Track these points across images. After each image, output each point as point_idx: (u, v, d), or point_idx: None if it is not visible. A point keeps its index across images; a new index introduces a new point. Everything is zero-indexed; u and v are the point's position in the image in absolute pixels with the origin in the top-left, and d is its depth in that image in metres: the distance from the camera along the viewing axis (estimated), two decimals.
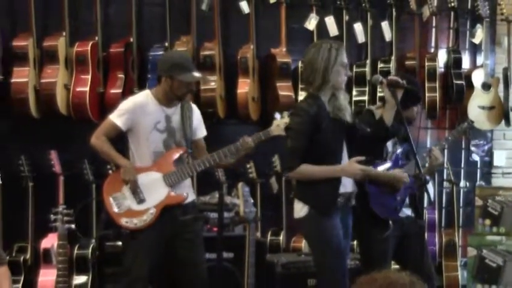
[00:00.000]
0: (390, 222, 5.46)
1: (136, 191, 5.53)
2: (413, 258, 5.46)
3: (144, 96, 5.67)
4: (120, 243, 6.08)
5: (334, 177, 5.11)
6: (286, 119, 5.38)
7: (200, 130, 5.81)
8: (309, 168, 5.06)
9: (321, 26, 7.34)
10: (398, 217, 5.55)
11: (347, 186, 5.23)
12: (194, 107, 5.83)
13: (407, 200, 5.63)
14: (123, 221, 5.56)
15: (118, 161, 5.58)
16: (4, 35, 6.31)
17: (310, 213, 5.15)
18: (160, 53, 6.63)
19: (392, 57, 7.59)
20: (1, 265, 5.40)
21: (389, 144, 5.63)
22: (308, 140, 5.05)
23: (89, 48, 6.50)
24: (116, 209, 5.55)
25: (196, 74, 5.72)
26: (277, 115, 5.51)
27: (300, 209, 5.21)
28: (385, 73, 7.01)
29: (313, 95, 5.18)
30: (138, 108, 5.56)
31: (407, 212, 5.65)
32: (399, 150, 5.62)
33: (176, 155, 5.66)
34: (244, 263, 4.85)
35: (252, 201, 4.99)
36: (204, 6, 6.94)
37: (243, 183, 5.17)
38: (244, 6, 7.07)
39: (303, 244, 6.79)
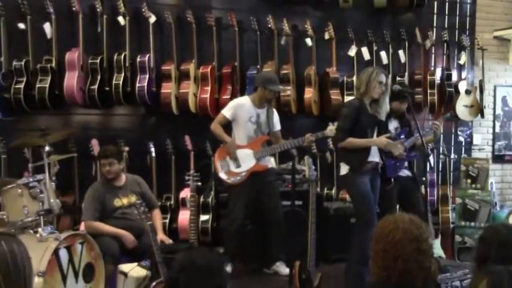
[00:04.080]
0: (392, 179, 5.37)
1: (235, 159, 5.60)
2: (411, 204, 5.39)
3: (244, 99, 5.79)
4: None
5: (367, 147, 5.09)
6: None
7: (277, 125, 5.83)
8: (353, 139, 5.05)
9: (359, 53, 7.23)
10: (397, 176, 5.44)
11: (375, 157, 5.18)
12: (274, 110, 5.87)
13: (406, 164, 5.55)
14: (225, 178, 5.65)
15: (226, 139, 5.65)
16: (157, 62, 6.31)
17: (348, 173, 5.14)
18: (254, 72, 6.59)
19: (406, 73, 7.46)
20: (155, 208, 5.54)
21: (392, 128, 5.55)
22: (352, 123, 5.03)
23: (209, 70, 6.46)
24: (221, 170, 5.65)
25: (280, 87, 5.91)
26: (330, 123, 5.60)
27: (342, 169, 5.20)
28: (401, 84, 6.94)
29: (358, 98, 5.15)
30: (238, 106, 5.65)
31: (407, 172, 5.55)
32: (401, 132, 5.57)
33: (263, 140, 5.74)
34: (309, 208, 4.79)
35: (314, 167, 4.93)
36: (282, 42, 6.89)
37: (308, 156, 5.13)
38: (308, 42, 6.99)
39: (347, 195, 6.71)
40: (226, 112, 5.65)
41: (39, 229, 4.47)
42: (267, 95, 5.63)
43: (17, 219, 4.55)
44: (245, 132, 5.66)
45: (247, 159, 5.63)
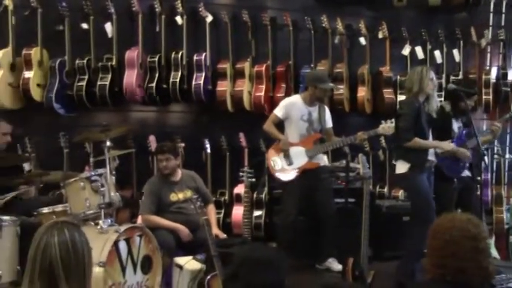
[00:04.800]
0: (455, 179, 5.33)
1: (288, 157, 5.58)
2: (468, 204, 5.34)
3: (295, 98, 5.75)
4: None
5: (430, 147, 5.09)
6: (389, 124, 5.36)
7: (329, 122, 5.75)
8: (421, 140, 5.01)
9: (412, 52, 7.11)
10: (460, 176, 5.40)
11: (432, 155, 5.14)
12: (326, 107, 5.79)
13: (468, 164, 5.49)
14: (278, 175, 5.63)
15: (279, 137, 5.64)
16: (213, 61, 6.35)
17: (408, 171, 5.05)
18: (308, 70, 6.54)
19: (460, 72, 7.28)
20: (209, 203, 5.54)
21: (455, 127, 5.46)
22: (414, 122, 4.95)
23: (264, 68, 6.48)
24: (274, 167, 5.63)
25: (331, 84, 5.78)
26: (383, 121, 5.49)
27: (401, 168, 5.11)
28: (455, 83, 6.76)
29: (414, 98, 5.07)
30: (289, 105, 5.62)
31: (467, 173, 5.48)
32: (463, 132, 5.49)
33: (315, 138, 5.68)
34: (362, 205, 4.74)
35: (368, 165, 4.88)
36: (336, 41, 6.84)
37: (361, 154, 5.09)
38: (362, 41, 6.94)
39: (400, 193, 6.65)
40: (278, 111, 5.64)
41: (100, 221, 4.56)
42: (317, 93, 5.57)
43: (79, 211, 4.66)
44: (297, 131, 5.63)
45: (299, 157, 5.60)
